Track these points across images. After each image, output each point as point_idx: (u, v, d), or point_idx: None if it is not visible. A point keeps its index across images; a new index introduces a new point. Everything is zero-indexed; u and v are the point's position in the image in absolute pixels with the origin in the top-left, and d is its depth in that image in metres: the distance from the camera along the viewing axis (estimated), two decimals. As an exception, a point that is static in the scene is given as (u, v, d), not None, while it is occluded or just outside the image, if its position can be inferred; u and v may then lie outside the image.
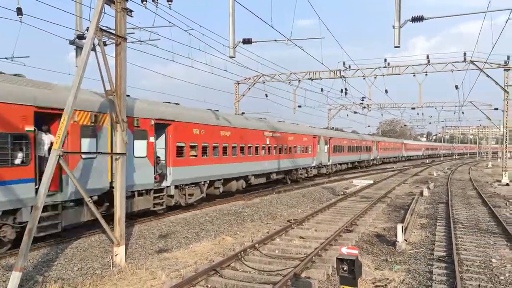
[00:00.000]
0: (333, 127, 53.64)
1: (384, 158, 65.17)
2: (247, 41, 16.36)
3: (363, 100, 44.26)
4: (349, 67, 34.90)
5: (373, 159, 57.92)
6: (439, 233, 14.40)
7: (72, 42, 15.35)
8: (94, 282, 9.24)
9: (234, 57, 14.48)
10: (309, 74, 37.47)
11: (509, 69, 33.26)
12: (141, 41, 16.80)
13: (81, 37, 15.08)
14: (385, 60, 35.03)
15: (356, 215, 16.72)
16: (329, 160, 38.36)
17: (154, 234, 13.41)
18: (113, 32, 10.54)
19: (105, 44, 10.95)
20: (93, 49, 10.01)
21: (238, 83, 40.24)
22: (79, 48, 15.11)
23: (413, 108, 53.22)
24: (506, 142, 36.99)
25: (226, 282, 9.06)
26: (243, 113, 30.74)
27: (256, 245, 11.94)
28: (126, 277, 9.70)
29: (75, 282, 9.20)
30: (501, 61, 33.26)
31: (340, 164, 43.06)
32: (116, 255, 10.56)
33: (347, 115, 59.30)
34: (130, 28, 15.36)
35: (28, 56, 16.14)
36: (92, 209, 10.02)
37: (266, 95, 37.52)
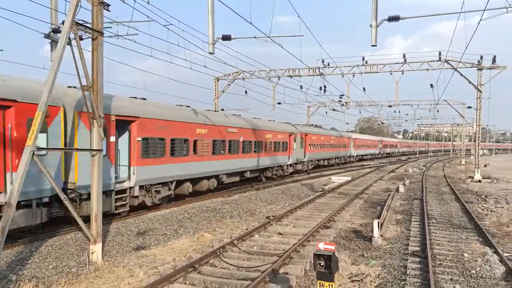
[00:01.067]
0: (312, 124, 53.22)
1: (318, 160, 42.54)
2: (226, 38, 16.35)
3: (341, 98, 44.78)
4: (328, 65, 35.23)
5: (296, 163, 34.93)
6: (414, 228, 14.73)
7: (47, 36, 14.99)
8: (70, 281, 9.11)
9: (213, 53, 14.46)
10: (289, 71, 37.64)
11: (482, 69, 34.11)
12: (118, 36, 16.55)
13: (56, 30, 14.73)
14: (363, 59, 35.51)
15: (334, 211, 16.93)
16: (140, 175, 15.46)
17: (132, 231, 13.29)
18: (90, 26, 10.37)
19: (81, 39, 10.76)
20: (69, 43, 9.83)
21: (218, 79, 40.09)
22: (54, 42, 14.76)
23: (390, 106, 54.12)
24: (478, 140, 37.98)
25: (204, 279, 9.06)
26: (222, 109, 30.69)
27: (235, 241, 11.97)
28: (103, 275, 9.59)
29: (50, 281, 9.05)
30: (474, 60, 34.10)
31: (229, 175, 23.21)
32: (92, 252, 10.42)
33: (326, 112, 60.01)
34: (107, 22, 15.10)
35: (2, 50, 15.67)
36: (68, 206, 9.88)
37: (246, 92, 37.59)
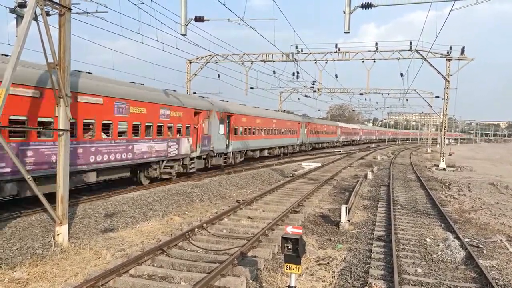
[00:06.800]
0: (284, 110, 53.40)
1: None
2: (199, 19, 16.08)
3: (313, 84, 44.98)
4: (301, 50, 35.23)
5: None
6: (380, 214, 15.13)
7: (12, 11, 14.41)
8: (34, 262, 8.92)
9: (185, 35, 14.22)
10: (262, 56, 37.44)
11: (451, 59, 34.90)
12: (87, 13, 16.02)
13: (22, 5, 14.18)
14: (336, 46, 35.68)
15: (303, 197, 17.16)
16: None
17: (100, 214, 13.10)
18: (57, 1, 9.97)
19: (48, 14, 10.38)
20: (35, 19, 9.45)
21: (190, 62, 39.51)
22: (20, 17, 14.23)
23: (361, 94, 54.73)
24: (445, 129, 39.06)
25: (172, 261, 9.05)
26: (194, 93, 30.42)
27: (204, 225, 11.98)
28: (69, 257, 9.44)
29: (13, 262, 8.84)
30: (444, 51, 34.82)
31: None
32: (58, 234, 10.22)
33: (299, 98, 60.36)
34: (76, -2, 14.62)
35: None
36: (32, 186, 9.64)
37: (219, 76, 37.20)
